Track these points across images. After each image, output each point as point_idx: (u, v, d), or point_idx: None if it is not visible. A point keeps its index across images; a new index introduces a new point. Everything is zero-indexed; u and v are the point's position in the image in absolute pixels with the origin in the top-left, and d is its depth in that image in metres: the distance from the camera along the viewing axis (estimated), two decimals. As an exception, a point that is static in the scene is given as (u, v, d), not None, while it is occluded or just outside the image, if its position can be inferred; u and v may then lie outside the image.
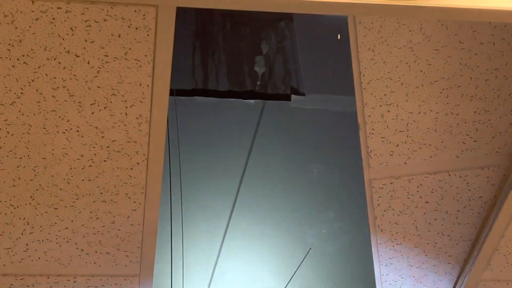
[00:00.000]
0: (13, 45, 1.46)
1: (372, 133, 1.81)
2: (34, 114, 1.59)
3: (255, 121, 2.25)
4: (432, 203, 1.93)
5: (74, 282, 1.97)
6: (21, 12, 1.41)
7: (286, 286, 2.35)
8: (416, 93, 1.74)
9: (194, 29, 2.27)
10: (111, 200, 1.79)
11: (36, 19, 1.42)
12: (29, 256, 1.90)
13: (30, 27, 1.43)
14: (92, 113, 1.60)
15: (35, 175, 1.71)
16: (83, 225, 1.84)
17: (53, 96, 1.56)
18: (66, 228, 1.84)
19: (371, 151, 1.84)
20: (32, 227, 1.83)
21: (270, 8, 1.44)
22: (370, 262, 2.10)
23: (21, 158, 1.67)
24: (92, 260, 1.93)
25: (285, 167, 2.32)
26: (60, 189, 1.75)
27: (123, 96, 1.58)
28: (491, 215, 1.92)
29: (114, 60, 1.51)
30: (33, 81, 1.53)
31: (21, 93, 1.54)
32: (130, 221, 1.85)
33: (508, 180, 1.85)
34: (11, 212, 1.79)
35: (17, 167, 1.69)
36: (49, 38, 1.45)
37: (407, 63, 1.70)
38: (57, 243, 1.87)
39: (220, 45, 2.33)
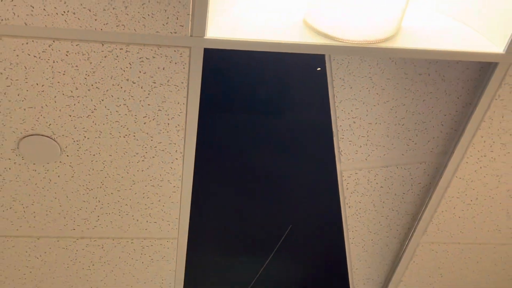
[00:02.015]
0: (88, 75, 1.47)
1: (343, 138, 1.82)
2: (103, 124, 1.60)
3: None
4: (385, 187, 1.93)
5: (132, 243, 1.98)
6: (94, 51, 1.42)
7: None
8: (374, 109, 1.74)
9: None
10: (158, 185, 1.80)
11: (105, 57, 1.43)
12: (99, 224, 1.90)
13: (100, 62, 1.44)
14: (144, 123, 1.61)
15: (104, 167, 1.72)
16: (138, 202, 1.84)
17: (116, 111, 1.57)
18: (126, 204, 1.85)
19: (341, 151, 1.84)
20: (102, 204, 1.84)
21: (271, 48, 1.45)
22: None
23: (94, 155, 1.68)
24: (144, 227, 1.94)
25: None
26: (122, 177, 1.76)
27: (166, 111, 1.59)
28: (426, 196, 1.93)
29: (160, 86, 1.52)
30: (103, 100, 1.54)
31: (94, 109, 1.56)
32: (171, 200, 1.85)
33: (438, 172, 1.86)
34: (87, 193, 1.80)
35: (91, 161, 1.70)
36: (114, 70, 1.46)
37: (367, 88, 1.70)
38: (119, 215, 1.88)
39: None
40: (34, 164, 1.70)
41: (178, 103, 1.57)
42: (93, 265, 2.04)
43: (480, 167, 1.81)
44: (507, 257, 2.14)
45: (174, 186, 1.80)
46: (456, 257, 2.12)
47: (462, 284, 2.25)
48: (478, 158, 1.78)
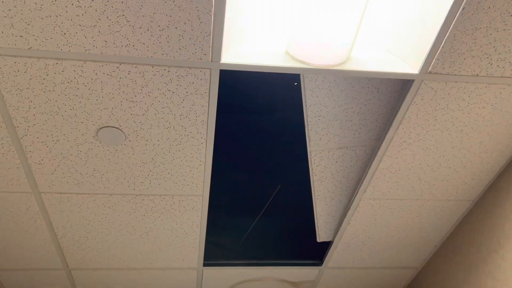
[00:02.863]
0: (143, 87, 1.47)
1: (311, 130, 1.82)
2: (153, 120, 1.59)
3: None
4: (339, 162, 1.94)
5: (172, 198, 1.98)
6: (147, 71, 1.41)
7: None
8: (332, 111, 1.74)
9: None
10: (189, 159, 1.79)
11: (154, 75, 1.43)
12: (151, 186, 1.91)
13: (151, 78, 1.44)
14: (180, 119, 1.61)
15: (153, 148, 1.72)
16: (176, 171, 1.84)
17: (162, 111, 1.57)
18: (168, 173, 1.85)
19: (310, 138, 1.85)
20: (152, 173, 1.84)
21: (264, 70, 1.45)
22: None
23: (147, 140, 1.67)
24: (180, 187, 1.94)
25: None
26: (165, 155, 1.75)
27: (194, 111, 1.59)
28: (366, 168, 1.93)
29: (190, 94, 1.52)
30: (152, 104, 1.54)
31: (147, 109, 1.56)
32: (198, 170, 1.85)
33: (374, 152, 1.86)
34: (143, 165, 1.80)
35: (145, 144, 1.69)
36: (160, 84, 1.46)
37: (327, 96, 1.70)
38: (164, 180, 1.88)
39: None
40: (108, 146, 1.70)
41: (203, 106, 1.57)
42: (147, 212, 2.05)
43: (402, 149, 1.81)
44: (419, 208, 2.15)
45: (200, 161, 1.80)
46: (385, 208, 2.14)
47: (388, 227, 2.26)
48: (400, 143, 1.79)
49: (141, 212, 2.04)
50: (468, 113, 1.68)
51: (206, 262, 2.47)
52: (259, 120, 1.90)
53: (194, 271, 2.49)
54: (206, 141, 1.71)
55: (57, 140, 1.65)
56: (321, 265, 2.52)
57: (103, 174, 1.82)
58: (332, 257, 2.45)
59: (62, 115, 1.56)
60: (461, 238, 2.23)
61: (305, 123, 1.80)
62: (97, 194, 1.91)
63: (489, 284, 2.01)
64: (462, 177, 1.97)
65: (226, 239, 2.40)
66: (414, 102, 1.62)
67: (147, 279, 2.52)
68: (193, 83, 1.48)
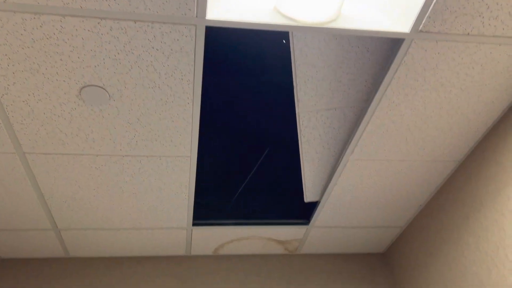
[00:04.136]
0: (126, 44, 1.41)
1: (300, 90, 1.79)
2: (138, 78, 1.55)
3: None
4: (327, 123, 1.92)
5: (160, 159, 1.96)
6: (129, 27, 1.35)
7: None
8: (321, 70, 1.71)
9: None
10: (176, 120, 1.76)
11: (137, 31, 1.37)
12: (138, 146, 1.88)
13: (134, 35, 1.38)
14: (166, 78, 1.57)
15: (139, 108, 1.68)
16: (163, 132, 1.81)
17: (146, 70, 1.52)
18: (155, 134, 1.82)
19: (299, 99, 1.82)
20: (138, 133, 1.81)
21: (251, 27, 1.40)
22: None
23: (132, 100, 1.63)
24: (168, 148, 1.92)
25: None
26: (151, 114, 1.72)
27: (180, 70, 1.54)
28: (355, 129, 1.92)
29: (175, 52, 1.47)
30: (136, 62, 1.48)
31: (131, 68, 1.50)
32: (185, 131, 1.82)
33: (363, 113, 1.84)
34: (128, 126, 1.77)
35: (130, 104, 1.65)
36: (143, 41, 1.41)
37: (316, 55, 1.66)
38: (150, 141, 1.85)
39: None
40: (92, 106, 1.66)
41: (189, 64, 1.52)
42: (134, 173, 2.04)
43: (390, 109, 1.80)
44: (406, 168, 2.17)
45: (187, 122, 1.77)
46: (371, 169, 2.15)
47: (374, 188, 2.28)
48: (389, 104, 1.77)
49: (129, 173, 2.02)
50: (458, 74, 1.66)
51: (195, 222, 2.48)
52: (247, 81, 1.86)
53: (184, 231, 2.51)
54: (193, 101, 1.68)
55: (39, 99, 1.60)
56: (308, 225, 2.56)
57: (88, 135, 1.78)
58: (319, 216, 2.48)
59: (43, 73, 1.50)
60: (445, 198, 2.26)
61: (294, 84, 1.76)
62: (83, 154, 1.88)
63: (471, 241, 2.06)
64: (449, 138, 1.97)
65: (215, 200, 2.41)
66: (404, 61, 1.59)
67: (137, 239, 2.54)
68: (178, 40, 1.42)
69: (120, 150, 1.88)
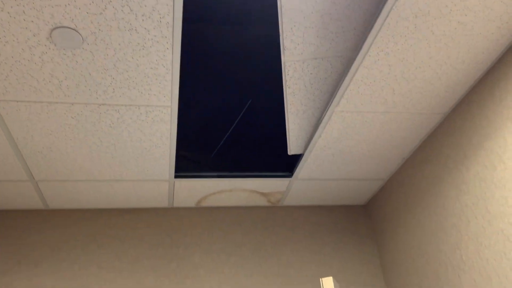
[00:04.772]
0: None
1: (286, 38, 1.70)
2: (112, 20, 1.44)
3: None
4: (313, 73, 1.86)
5: (139, 109, 1.88)
6: None
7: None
8: (307, 16, 1.62)
9: None
10: (155, 67, 1.68)
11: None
12: (115, 95, 1.80)
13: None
14: (143, 20, 1.46)
15: (115, 53, 1.58)
16: (141, 80, 1.73)
17: (122, 10, 1.41)
18: (133, 81, 1.73)
19: (285, 47, 1.74)
20: (115, 80, 1.72)
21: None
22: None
23: (107, 44, 1.53)
24: (147, 97, 1.84)
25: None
26: (128, 61, 1.62)
27: (158, 11, 1.44)
28: (341, 80, 1.86)
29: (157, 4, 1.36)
30: (111, 1, 1.37)
31: (105, 7, 1.39)
32: (165, 79, 1.74)
33: (350, 62, 1.78)
34: (104, 72, 1.67)
35: (105, 49, 1.55)
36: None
37: (306, 2, 1.57)
38: (128, 89, 1.76)
39: None
40: (64, 50, 1.55)
41: (167, 5, 1.42)
42: (113, 123, 1.96)
43: (379, 59, 1.74)
44: (391, 121, 2.14)
45: (166, 69, 1.69)
46: (357, 121, 2.11)
47: (359, 140, 2.26)
48: (377, 53, 1.71)
49: (107, 123, 1.95)
50: (450, 21, 1.59)
51: (177, 174, 2.45)
52: (231, 29, 1.76)
53: (166, 183, 2.48)
54: (173, 47, 1.58)
55: (6, 42, 1.49)
56: (291, 177, 2.55)
57: (61, 81, 1.69)
58: (302, 169, 2.47)
59: (8, 12, 1.38)
60: (429, 151, 2.26)
61: (280, 31, 1.67)
62: (57, 102, 1.79)
63: (452, 193, 2.08)
64: (436, 90, 1.94)
65: (197, 152, 2.37)
66: (395, 7, 1.51)
67: (118, 191, 2.50)
68: (155, -23, 1.31)
69: (97, 98, 1.79)
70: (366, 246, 2.82)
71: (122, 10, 1.41)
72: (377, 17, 1.56)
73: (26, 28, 1.44)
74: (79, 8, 1.39)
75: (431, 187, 2.25)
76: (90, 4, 1.38)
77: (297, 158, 2.43)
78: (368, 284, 2.69)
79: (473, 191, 1.95)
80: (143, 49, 1.58)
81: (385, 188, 2.72)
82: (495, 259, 1.81)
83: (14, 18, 1.40)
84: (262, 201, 2.81)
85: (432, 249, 2.23)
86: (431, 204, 2.25)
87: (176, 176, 2.44)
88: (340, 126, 2.12)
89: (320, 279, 2.00)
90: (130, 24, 1.47)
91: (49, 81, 1.68)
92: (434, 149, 2.23)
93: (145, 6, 1.40)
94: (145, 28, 1.49)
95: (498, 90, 1.80)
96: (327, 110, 2.01)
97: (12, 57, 1.55)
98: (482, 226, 1.89)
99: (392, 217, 2.63)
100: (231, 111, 2.13)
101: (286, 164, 2.51)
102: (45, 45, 1.52)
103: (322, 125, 2.10)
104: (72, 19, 1.43)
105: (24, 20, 1.41)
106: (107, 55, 1.58)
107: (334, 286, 1.94)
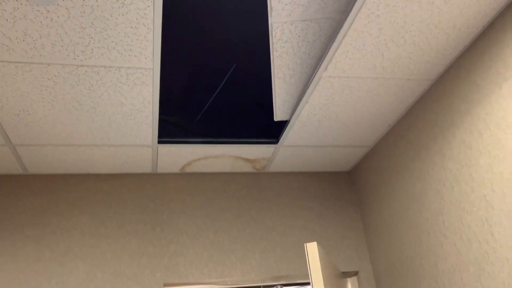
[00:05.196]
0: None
1: (271, 0, 1.63)
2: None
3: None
4: (301, 36, 1.80)
5: (119, 71, 1.81)
6: None
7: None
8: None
9: None
10: (135, 26, 1.59)
11: None
12: (94, 55, 1.71)
13: None
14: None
15: (92, 10, 1.49)
16: (121, 40, 1.65)
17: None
18: (112, 41, 1.65)
19: (272, 7, 1.66)
20: (94, 40, 1.63)
21: None
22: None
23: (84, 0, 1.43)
24: (128, 59, 1.76)
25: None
26: (107, 19, 1.53)
27: (138, -35, 1.35)
28: (330, 43, 1.81)
29: None
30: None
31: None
32: (146, 39, 1.66)
33: (340, 25, 1.71)
34: (82, 31, 1.58)
35: (82, 5, 1.46)
36: None
37: None
38: (108, 49, 1.68)
39: None
40: (37, 6, 1.46)
41: (147, -42, 1.33)
42: (92, 86, 1.88)
43: (369, 21, 1.68)
44: (378, 87, 2.11)
45: (147, 28, 1.60)
46: (344, 87, 2.07)
47: (345, 106, 2.23)
48: (368, 15, 1.65)
49: (86, 86, 1.87)
50: (443, -17, 1.54)
51: (160, 139, 2.39)
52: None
53: (149, 149, 2.43)
54: (154, 4, 1.50)
55: (-27, -5, 1.39)
56: (276, 144, 2.52)
57: (36, 40, 1.59)
58: (288, 135, 2.44)
59: (-27, -38, 1.28)
60: (415, 117, 2.25)
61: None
62: (32, 63, 1.70)
63: (437, 159, 2.08)
64: (426, 55, 1.90)
65: (181, 117, 2.31)
66: (388, -34, 1.44)
67: (100, 156, 2.44)
68: None
69: (74, 59, 1.71)
70: (349, 212, 2.85)
71: (98, -37, 1.32)
72: (368, -23, 1.49)
73: (-5, -20, 1.34)
74: (52, -40, 1.29)
75: (416, 153, 2.25)
76: (63, -45, 1.28)
77: (283, 124, 2.39)
78: (351, 249, 2.73)
79: (458, 157, 1.95)
80: (122, 6, 1.49)
81: (369, 155, 2.72)
82: (476, 225, 1.83)
83: (-19, -31, 1.30)
84: (247, 167, 2.79)
85: (415, 215, 2.25)
86: (415, 171, 2.25)
87: (159, 142, 2.39)
88: (327, 92, 2.08)
89: (305, 244, 2.02)
90: (108, -22, 1.37)
91: (23, 40, 1.58)
92: (420, 116, 2.21)
93: (124, -42, 1.31)
94: (124, -17, 1.40)
95: (489, 55, 1.77)
96: (314, 75, 1.96)
97: (-19, 12, 1.45)
98: (465, 192, 1.90)
99: (376, 183, 2.64)
100: (216, 74, 2.07)
101: (271, 130, 2.48)
102: (17, 0, 1.42)
103: (309, 90, 2.06)
104: (45, -28, 1.33)
105: (-9, -29, 1.31)
106: (84, 12, 1.49)
107: (318, 251, 1.95)
